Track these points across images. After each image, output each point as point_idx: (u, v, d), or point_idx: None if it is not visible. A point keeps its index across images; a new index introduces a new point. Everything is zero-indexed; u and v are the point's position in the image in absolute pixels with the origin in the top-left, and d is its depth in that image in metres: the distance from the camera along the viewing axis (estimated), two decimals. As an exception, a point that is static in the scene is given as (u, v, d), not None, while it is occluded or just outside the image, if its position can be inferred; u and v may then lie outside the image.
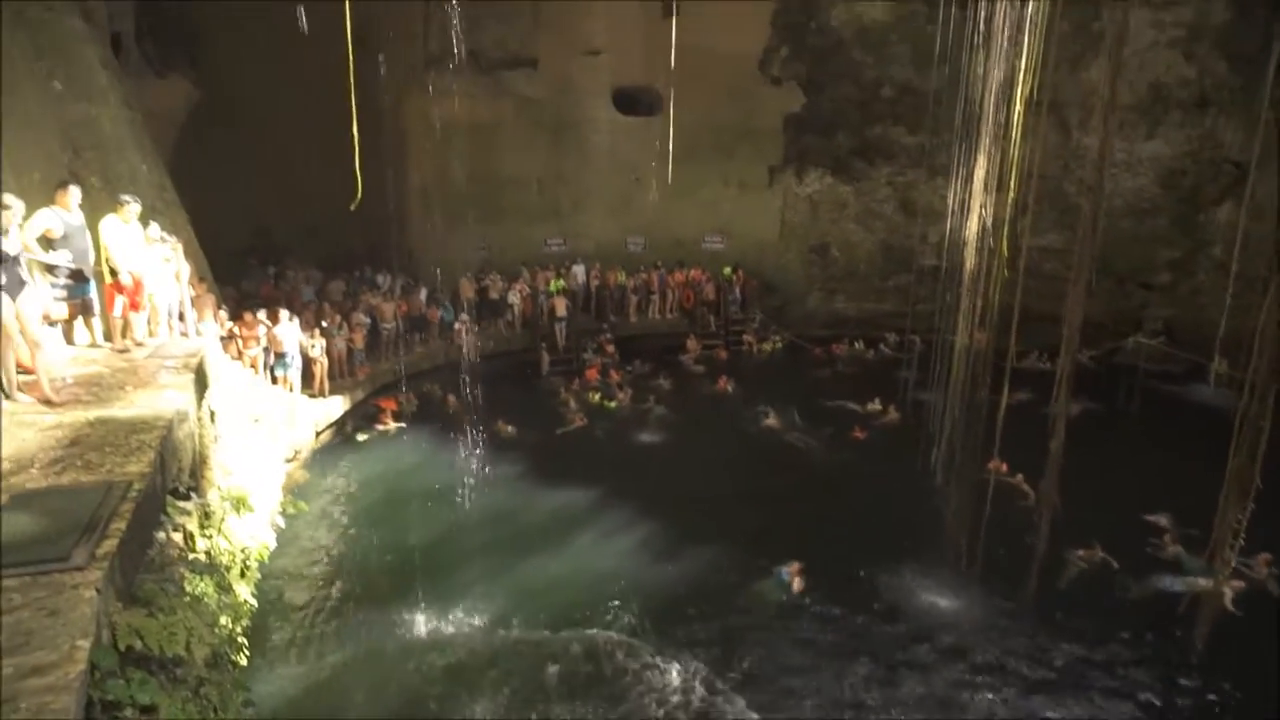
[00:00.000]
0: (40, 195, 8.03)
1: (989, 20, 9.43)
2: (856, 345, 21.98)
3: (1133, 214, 21.32)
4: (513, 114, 22.12)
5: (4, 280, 6.13)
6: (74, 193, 7.72)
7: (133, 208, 8.58)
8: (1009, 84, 8.97)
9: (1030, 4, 8.83)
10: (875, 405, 16.83)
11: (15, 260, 6.30)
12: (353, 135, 8.74)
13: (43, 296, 7.18)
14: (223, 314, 13.48)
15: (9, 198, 6.45)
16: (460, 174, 20.04)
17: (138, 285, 8.55)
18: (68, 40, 11.84)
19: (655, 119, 22.20)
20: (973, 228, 10.89)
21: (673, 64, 18.97)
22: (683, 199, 22.57)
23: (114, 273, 8.43)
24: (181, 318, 9.93)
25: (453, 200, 20.43)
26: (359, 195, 9.26)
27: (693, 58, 20.27)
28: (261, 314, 14.32)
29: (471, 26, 20.18)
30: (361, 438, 15.38)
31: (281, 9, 18.58)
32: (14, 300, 6.19)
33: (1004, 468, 11.71)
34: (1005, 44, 9.43)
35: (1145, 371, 17.32)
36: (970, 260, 10.88)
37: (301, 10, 15.15)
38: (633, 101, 22.92)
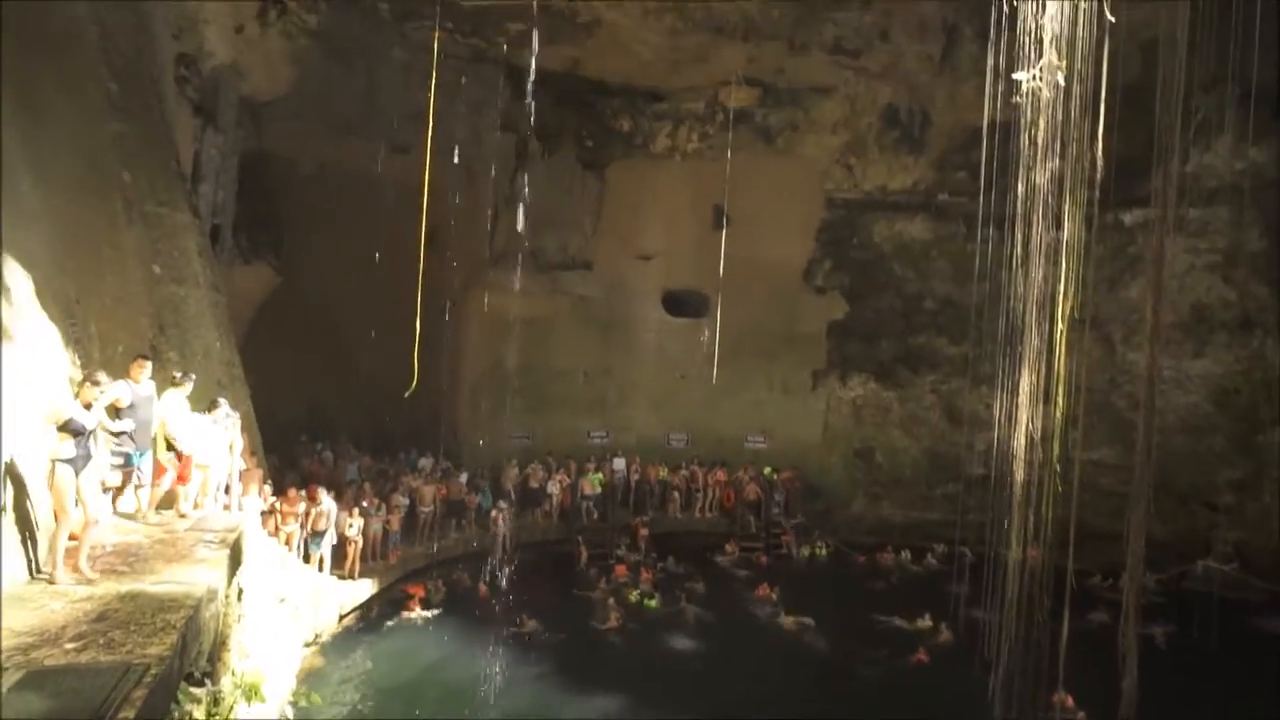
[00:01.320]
0: (120, 367, 8.53)
1: (1026, 243, 9.87)
2: (903, 555, 21.04)
3: (1188, 431, 20.84)
4: (567, 310, 23.28)
5: (75, 454, 6.29)
6: (146, 366, 8.17)
7: (189, 384, 8.93)
8: (1049, 301, 9.22)
9: (1065, 230, 9.25)
10: (926, 622, 15.80)
11: (89, 435, 6.51)
12: (415, 326, 9.24)
13: (102, 465, 7.39)
14: (267, 488, 13.66)
15: (102, 375, 6.80)
16: (511, 365, 20.81)
17: (187, 460, 8.76)
18: (175, 231, 13.09)
19: (702, 320, 23.11)
20: (1020, 439, 10.73)
21: (721, 271, 20.04)
22: (726, 398, 22.90)
23: (170, 445, 8.71)
24: (227, 490, 10.09)
25: (501, 389, 21.06)
26: (414, 383, 9.63)
27: (740, 265, 21.43)
28: (305, 492, 14.47)
29: (535, 230, 21.86)
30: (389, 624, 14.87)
31: (365, 209, 20.54)
32: (77, 474, 6.32)
33: (1069, 701, 10.70)
34: (1043, 264, 9.78)
35: (1220, 599, 16.11)
36: (1020, 472, 10.61)
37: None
38: (681, 303, 24.01)
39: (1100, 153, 8.28)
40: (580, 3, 18.51)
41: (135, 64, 12.81)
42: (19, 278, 7.70)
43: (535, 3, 16.40)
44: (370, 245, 20.87)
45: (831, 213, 23.97)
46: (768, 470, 22.62)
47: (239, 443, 10.45)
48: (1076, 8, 8.62)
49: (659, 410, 23.92)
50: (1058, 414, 9.15)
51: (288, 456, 19.26)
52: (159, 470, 8.59)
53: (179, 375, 9.07)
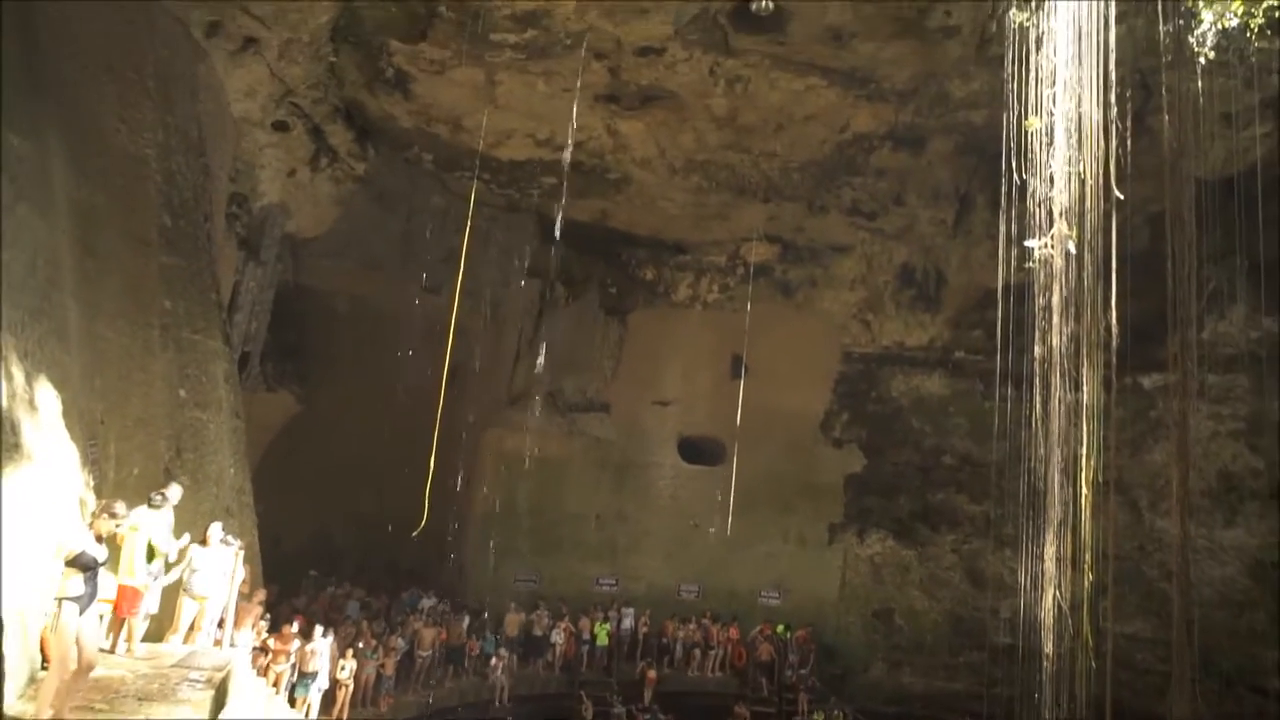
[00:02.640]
0: (134, 490, 8.47)
1: (1045, 403, 9.85)
2: (927, 729, 19.65)
3: (1227, 605, 19.78)
4: (581, 453, 23.19)
5: (83, 591, 5.79)
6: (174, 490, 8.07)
7: (167, 505, 8.45)
8: (1072, 463, 9.07)
9: (1084, 391, 9.24)
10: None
11: (98, 570, 6.05)
12: (429, 462, 9.20)
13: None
14: (263, 623, 13.18)
15: (120, 506, 6.47)
16: (523, 505, 20.54)
17: (127, 591, 7.90)
18: (205, 358, 13.41)
19: (718, 469, 22.89)
20: (1048, 606, 10.23)
21: (738, 420, 20.06)
22: (740, 550, 22.28)
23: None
24: (221, 624, 9.73)
25: (511, 530, 20.70)
26: (424, 521, 9.47)
27: (757, 415, 21.45)
28: (297, 627, 13.92)
29: (555, 372, 22.22)
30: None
31: (390, 344, 21.06)
32: (81, 613, 5.83)
33: None
34: (1063, 425, 9.70)
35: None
36: (1049, 643, 10.04)
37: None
38: (697, 450, 23.89)
39: (1114, 318, 8.40)
40: (611, 161, 19.70)
41: (191, 202, 13.62)
42: (49, 397, 7.84)
43: (567, 162, 17.47)
44: (392, 380, 21.29)
45: (849, 366, 24.21)
46: (781, 628, 21.57)
47: (240, 573, 10.16)
48: (1084, 182, 9.04)
49: (670, 559, 23.24)
50: (1086, 582, 8.77)
51: (289, 589, 18.72)
52: (132, 596, 7.90)
53: (155, 495, 8.23)
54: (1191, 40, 14.54)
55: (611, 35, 15.61)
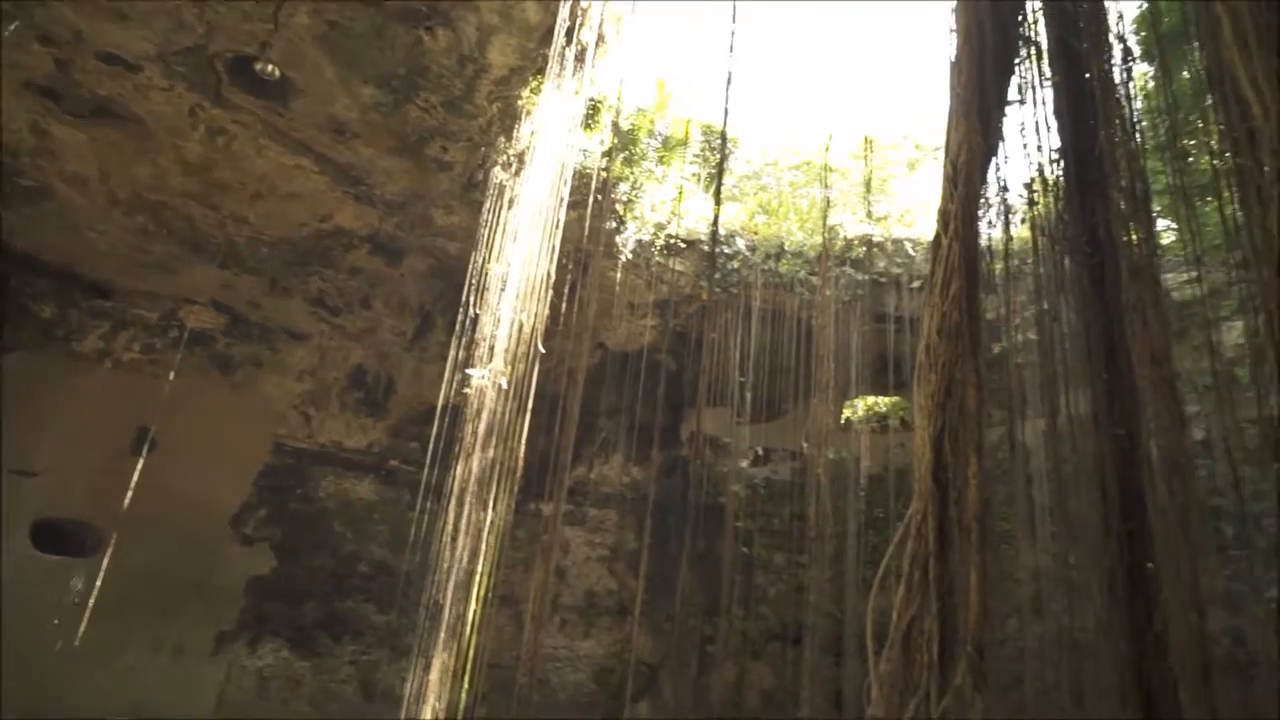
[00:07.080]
0: None
1: (458, 519, 10.68)
2: None
3: (575, 707, 23.21)
4: None
5: None
6: None
7: None
8: (469, 578, 9.90)
9: (491, 512, 10.28)
10: None
11: None
12: None
13: None
14: None
15: None
16: None
17: None
18: None
19: (86, 561, 18.74)
20: (427, 716, 10.64)
21: (127, 502, 16.98)
22: (94, 665, 18.16)
23: None
24: None
25: None
26: None
27: (156, 500, 18.45)
28: None
29: None
30: None
31: None
32: None
33: None
34: (469, 541, 10.60)
35: None
36: (423, 755, 10.37)
37: None
38: (61, 536, 19.26)
39: (523, 451, 9.69)
40: (30, 165, 15.91)
41: None
42: None
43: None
44: None
45: (279, 459, 22.63)
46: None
47: None
48: (520, 328, 10.49)
49: (-15, 677, 17.76)
50: (463, 693, 9.42)
51: None
52: None
53: None
54: (618, 240, 18.44)
55: (71, 24, 13.06)
